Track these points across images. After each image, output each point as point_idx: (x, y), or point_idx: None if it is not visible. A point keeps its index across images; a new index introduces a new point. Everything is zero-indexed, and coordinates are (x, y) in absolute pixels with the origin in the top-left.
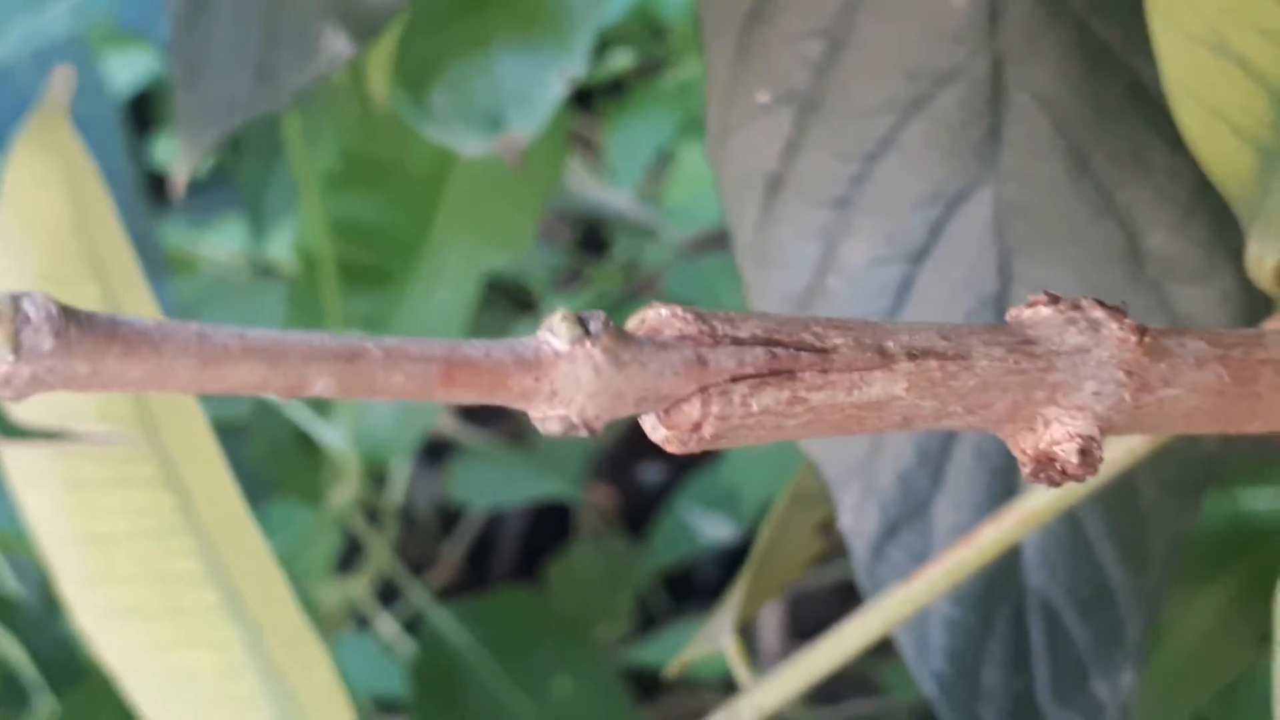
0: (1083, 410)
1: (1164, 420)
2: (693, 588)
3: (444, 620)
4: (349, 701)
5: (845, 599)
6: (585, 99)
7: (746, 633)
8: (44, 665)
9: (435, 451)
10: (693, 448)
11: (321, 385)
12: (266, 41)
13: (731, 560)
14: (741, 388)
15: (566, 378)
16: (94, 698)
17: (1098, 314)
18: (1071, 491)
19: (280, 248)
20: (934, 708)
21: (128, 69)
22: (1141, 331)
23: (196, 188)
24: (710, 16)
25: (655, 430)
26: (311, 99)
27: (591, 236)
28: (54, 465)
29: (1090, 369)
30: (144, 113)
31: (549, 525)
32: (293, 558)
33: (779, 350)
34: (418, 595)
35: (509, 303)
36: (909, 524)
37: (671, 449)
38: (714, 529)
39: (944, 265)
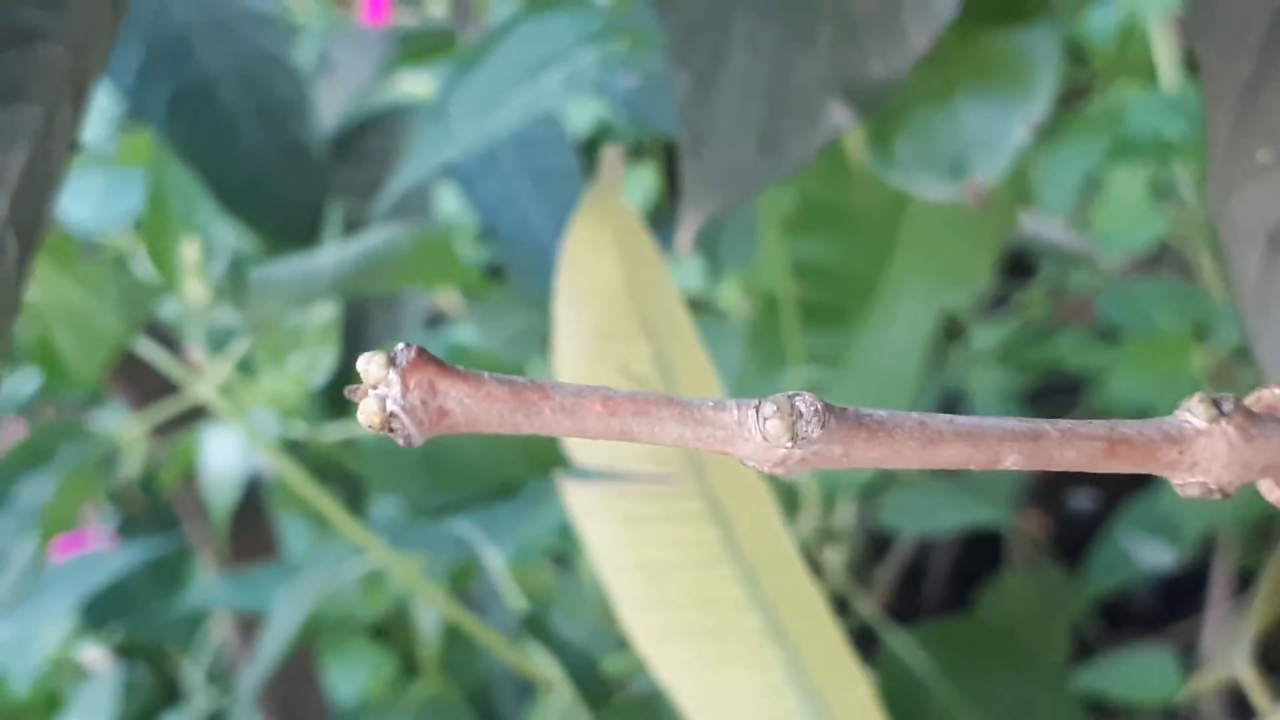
0: None
1: None
2: (1129, 616)
3: (900, 642)
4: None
5: None
6: None
7: (1190, 656)
8: (576, 680)
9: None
10: None
11: (1011, 460)
12: (771, 114)
13: (1168, 588)
14: None
15: (1205, 451)
16: (629, 708)
17: None
18: None
19: (731, 287)
20: None
21: (582, 116)
22: None
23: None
24: (1210, 84)
25: (1272, 493)
26: None
27: (1017, 262)
28: (612, 502)
29: None
30: (593, 156)
31: (980, 553)
32: None
33: None
34: (871, 617)
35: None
36: None
37: None
38: (1154, 556)
39: None
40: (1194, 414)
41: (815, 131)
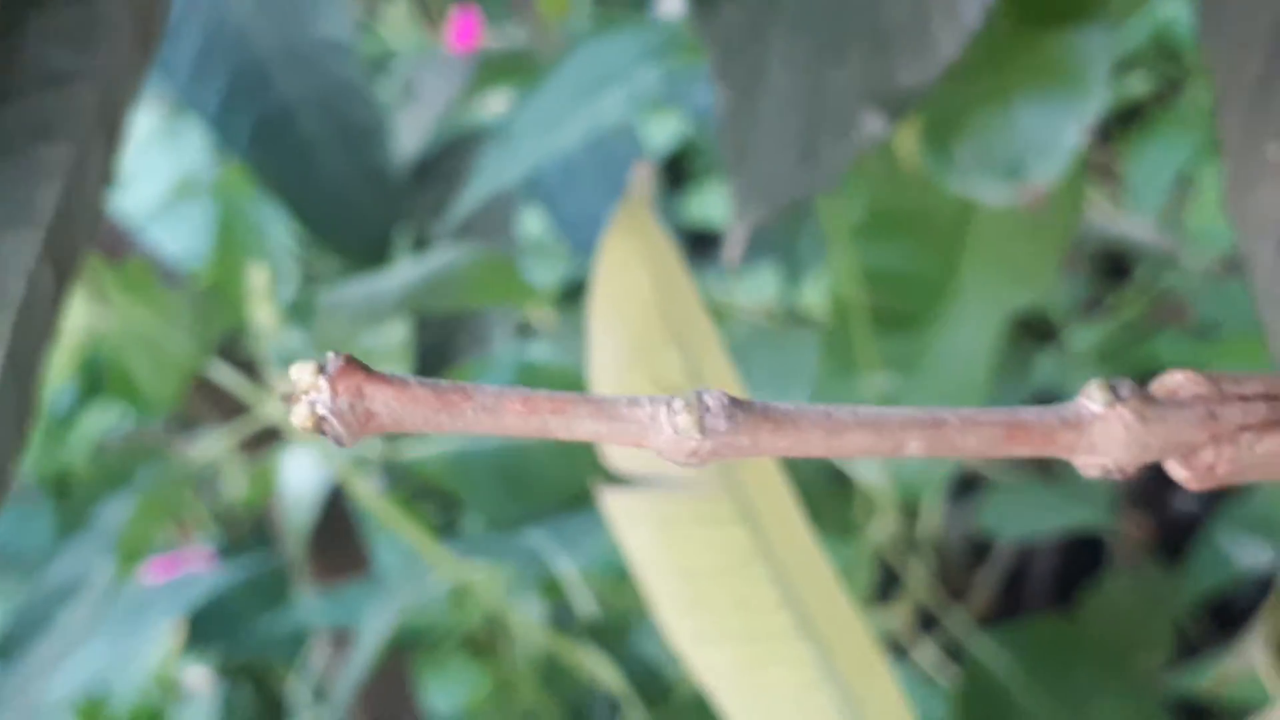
0: None
1: None
2: (1235, 616)
3: (984, 647)
4: (911, 710)
5: None
6: (1102, 127)
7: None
8: (634, 682)
9: (966, 485)
10: (1209, 485)
11: (914, 447)
12: (808, 126)
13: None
14: (1247, 436)
15: (1103, 434)
16: (681, 712)
17: None
18: None
19: (810, 294)
20: None
21: (663, 132)
22: None
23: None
24: (1221, 84)
25: (1177, 471)
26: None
27: (1112, 263)
28: (649, 507)
29: None
30: (678, 170)
31: (1082, 556)
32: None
33: (1278, 403)
34: (956, 624)
35: (1029, 334)
36: None
37: (1192, 487)
38: (1251, 556)
39: None
40: (1092, 399)
41: (851, 141)
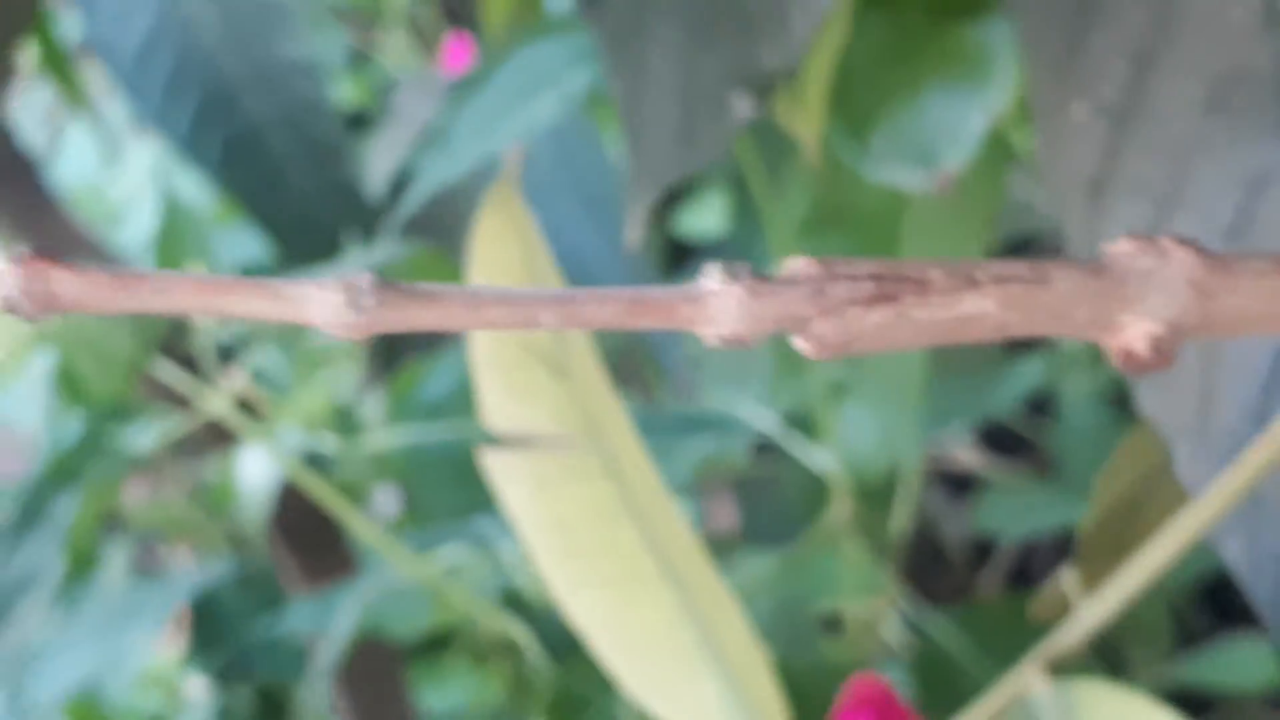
0: (1153, 315)
1: (1233, 322)
2: (1234, 603)
3: (938, 625)
4: (755, 639)
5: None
6: None
7: None
8: (548, 643)
9: (961, 485)
10: (826, 356)
11: (546, 319)
12: (684, 111)
13: None
14: (855, 310)
15: (719, 308)
16: (580, 662)
17: (1168, 244)
18: None
19: None
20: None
21: None
22: (1205, 254)
23: (710, 250)
24: (1031, 51)
25: (797, 343)
26: (780, 160)
27: None
28: (525, 466)
29: (1158, 284)
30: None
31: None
32: (819, 589)
33: (884, 283)
34: (928, 618)
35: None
36: None
37: (812, 356)
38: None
39: (1258, 241)
40: (710, 278)
41: (723, 122)
